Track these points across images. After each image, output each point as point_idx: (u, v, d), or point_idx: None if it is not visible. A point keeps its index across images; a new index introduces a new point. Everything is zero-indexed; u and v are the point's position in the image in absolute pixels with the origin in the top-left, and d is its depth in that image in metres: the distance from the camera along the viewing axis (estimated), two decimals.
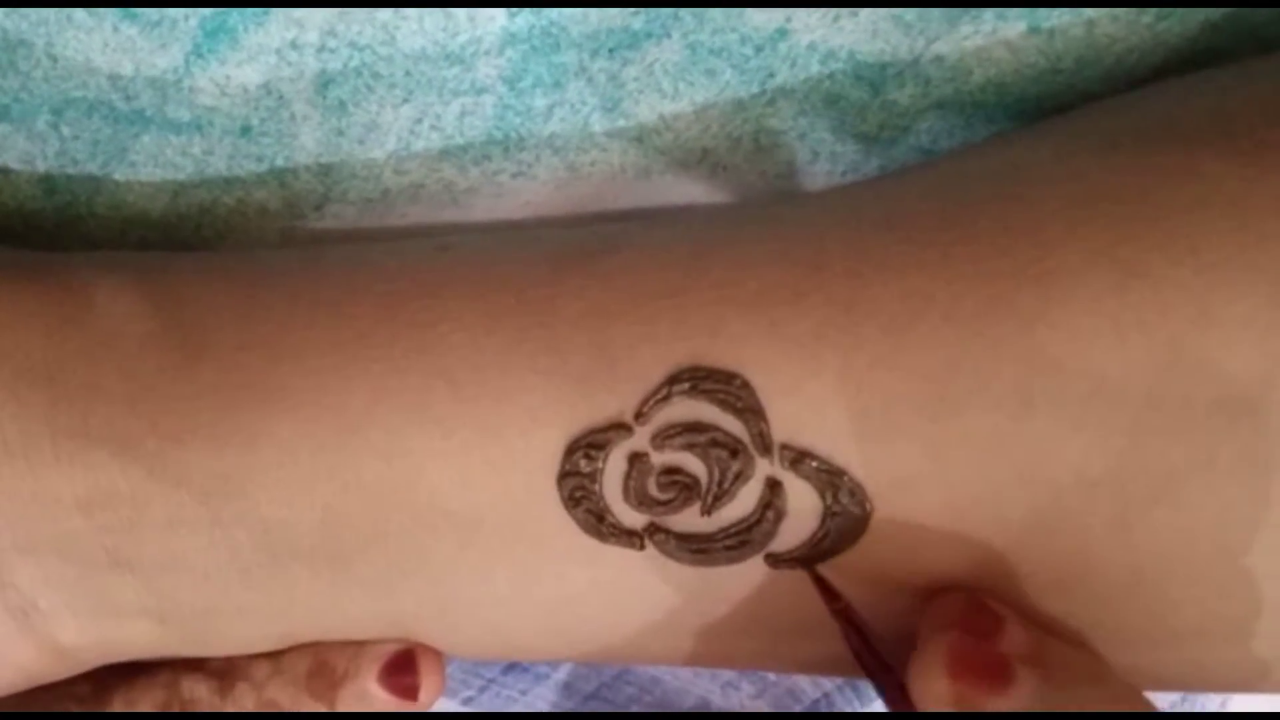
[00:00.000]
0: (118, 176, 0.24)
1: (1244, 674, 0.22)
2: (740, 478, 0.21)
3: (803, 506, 0.21)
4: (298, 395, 0.21)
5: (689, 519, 0.21)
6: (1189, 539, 0.20)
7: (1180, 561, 0.20)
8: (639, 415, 0.21)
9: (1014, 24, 0.23)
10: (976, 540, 0.21)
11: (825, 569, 0.21)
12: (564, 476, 0.21)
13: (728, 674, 0.32)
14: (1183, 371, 0.20)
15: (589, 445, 0.21)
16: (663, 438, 0.21)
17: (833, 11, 0.23)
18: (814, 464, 0.21)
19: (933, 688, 0.19)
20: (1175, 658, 0.22)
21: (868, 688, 0.33)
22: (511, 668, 0.32)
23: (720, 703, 0.32)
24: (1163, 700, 0.33)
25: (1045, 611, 0.21)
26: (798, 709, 0.33)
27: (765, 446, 0.21)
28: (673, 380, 0.21)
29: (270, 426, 0.21)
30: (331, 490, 0.21)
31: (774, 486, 0.21)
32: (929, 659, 0.19)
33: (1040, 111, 0.25)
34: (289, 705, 0.23)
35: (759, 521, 0.21)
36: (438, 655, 0.23)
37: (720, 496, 0.21)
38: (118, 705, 0.23)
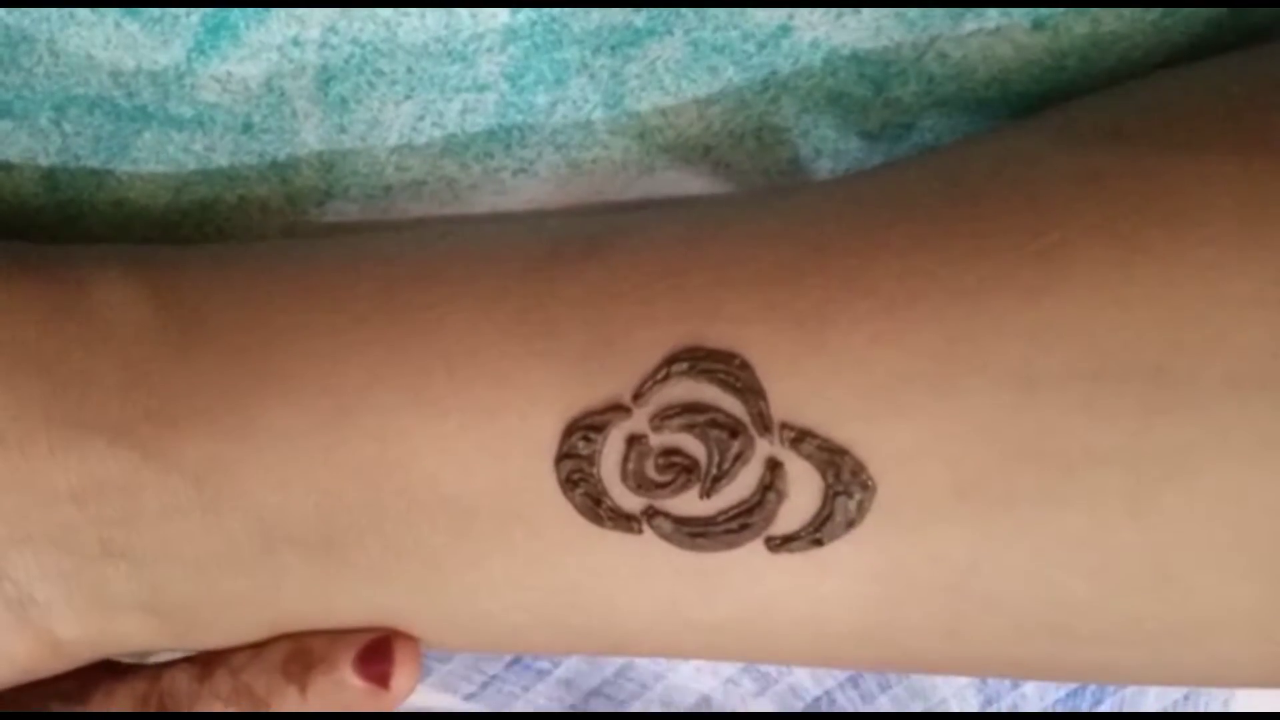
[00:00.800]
0: (120, 173, 0.24)
1: (1264, 670, 0.22)
2: (740, 459, 0.21)
3: (804, 487, 0.21)
4: (292, 379, 0.21)
5: (688, 502, 0.21)
6: (1205, 522, 0.20)
7: (1197, 547, 0.20)
8: (637, 396, 0.21)
9: (1018, 21, 0.23)
10: (985, 518, 0.20)
11: (830, 549, 0.21)
12: (562, 458, 0.21)
13: (729, 670, 0.32)
14: (1190, 348, 0.19)
15: (587, 427, 0.21)
16: (661, 419, 0.21)
17: (835, 9, 0.23)
18: (815, 443, 0.20)
19: None
20: (1194, 650, 0.21)
21: (869, 685, 0.33)
22: (513, 664, 0.32)
23: (721, 699, 0.32)
24: (1166, 699, 0.33)
25: (1061, 597, 0.21)
26: (799, 706, 0.33)
27: (765, 426, 0.21)
28: (671, 360, 0.21)
29: (264, 411, 0.21)
30: (326, 474, 0.21)
31: (774, 467, 0.21)
32: None
33: (1044, 109, 0.25)
34: (264, 690, 0.23)
35: (759, 503, 0.21)
36: (415, 645, 0.23)
37: (720, 478, 0.21)
38: (98, 698, 0.23)
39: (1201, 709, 0.33)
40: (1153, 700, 0.33)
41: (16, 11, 0.22)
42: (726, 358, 0.21)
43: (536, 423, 0.21)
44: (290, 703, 0.23)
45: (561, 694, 0.32)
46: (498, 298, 0.22)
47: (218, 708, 0.23)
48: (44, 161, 0.24)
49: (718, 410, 0.21)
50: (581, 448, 0.21)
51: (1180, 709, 0.33)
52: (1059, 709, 0.33)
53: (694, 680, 0.32)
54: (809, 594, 0.21)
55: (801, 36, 0.23)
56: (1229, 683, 0.25)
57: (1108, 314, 0.20)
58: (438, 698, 0.33)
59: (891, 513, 0.21)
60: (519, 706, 0.33)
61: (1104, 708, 0.33)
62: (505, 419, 0.21)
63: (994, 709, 0.32)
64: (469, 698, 0.33)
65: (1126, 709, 0.33)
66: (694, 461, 0.21)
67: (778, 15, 0.23)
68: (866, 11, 0.23)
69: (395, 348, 0.21)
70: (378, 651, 0.23)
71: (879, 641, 0.22)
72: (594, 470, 0.21)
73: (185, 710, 0.23)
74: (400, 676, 0.23)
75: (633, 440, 0.21)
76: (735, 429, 0.21)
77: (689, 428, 0.21)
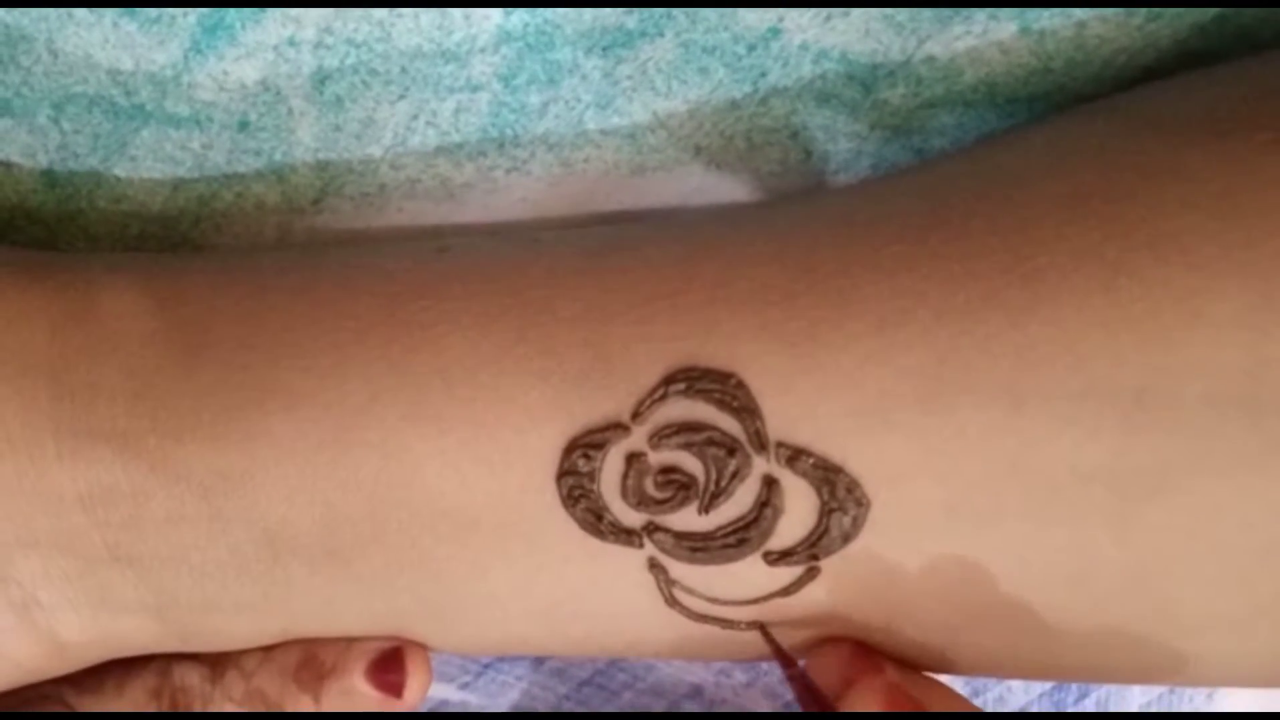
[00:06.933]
0: (118, 171, 0.25)
1: (1242, 671, 0.23)
2: (737, 476, 0.21)
3: (800, 503, 0.21)
4: (296, 393, 0.22)
5: (687, 518, 0.22)
6: (1185, 536, 0.20)
7: (1178, 559, 0.21)
8: (636, 415, 0.21)
9: (1005, 24, 0.23)
10: (974, 532, 0.21)
11: (826, 563, 0.22)
12: (562, 475, 0.21)
13: (720, 661, 0.33)
14: (1172, 368, 0.20)
15: (587, 445, 0.21)
16: (660, 437, 0.21)
17: (824, 11, 0.23)
18: (810, 461, 0.21)
19: None
20: (1174, 655, 0.22)
21: None
22: None
23: (713, 690, 0.33)
24: (1150, 694, 0.33)
25: (1046, 606, 0.21)
26: (790, 697, 0.33)
27: (761, 444, 0.21)
28: (669, 380, 0.21)
29: (269, 424, 0.22)
30: (330, 488, 0.22)
31: (771, 484, 0.21)
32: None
33: (1031, 111, 0.25)
34: (276, 695, 0.23)
35: (757, 519, 0.21)
36: (425, 653, 0.23)
37: (717, 495, 0.21)
38: (110, 689, 0.23)
39: (1185, 703, 0.33)
40: (1137, 693, 0.33)
41: (15, 11, 0.22)
42: (723, 377, 0.21)
43: (536, 439, 0.21)
44: (302, 707, 0.23)
45: (554, 683, 0.33)
46: (496, 315, 0.22)
47: (230, 709, 0.23)
48: (43, 159, 0.24)
49: (715, 429, 0.21)
50: (581, 465, 0.21)
51: (1164, 702, 0.33)
52: (1044, 701, 0.33)
53: (686, 671, 0.33)
54: (805, 605, 0.22)
55: (791, 39, 0.23)
56: (1207, 683, 0.25)
57: (1092, 335, 0.20)
58: (433, 687, 0.33)
59: (884, 527, 0.21)
60: (513, 695, 0.33)
61: (1088, 701, 0.33)
62: (504, 435, 0.21)
63: (979, 701, 0.33)
64: (464, 686, 0.33)
65: (1110, 702, 0.33)
66: (692, 479, 0.22)
67: (767, 17, 0.23)
68: (855, 14, 0.23)
69: (396, 364, 0.22)
70: (390, 661, 0.23)
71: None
72: (594, 487, 0.21)
73: (198, 709, 0.23)
74: (413, 685, 0.23)
75: (632, 458, 0.21)
76: (732, 447, 0.21)
77: (687, 446, 0.21)
